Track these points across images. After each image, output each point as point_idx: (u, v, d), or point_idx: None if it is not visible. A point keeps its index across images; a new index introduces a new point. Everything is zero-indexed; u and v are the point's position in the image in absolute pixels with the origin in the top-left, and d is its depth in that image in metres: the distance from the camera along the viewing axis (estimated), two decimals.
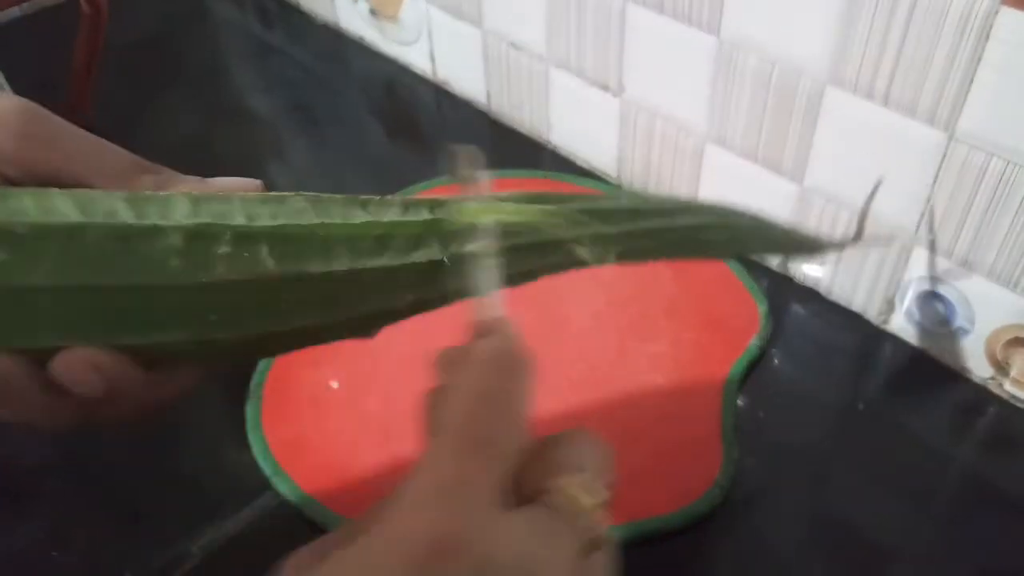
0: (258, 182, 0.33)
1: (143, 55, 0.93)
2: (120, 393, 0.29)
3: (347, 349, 0.60)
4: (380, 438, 0.54)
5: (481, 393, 0.26)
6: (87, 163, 0.31)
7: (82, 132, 0.32)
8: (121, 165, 0.32)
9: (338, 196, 0.31)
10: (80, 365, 0.28)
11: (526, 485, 0.26)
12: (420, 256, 0.31)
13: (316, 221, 0.29)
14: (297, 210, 0.29)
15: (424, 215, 0.31)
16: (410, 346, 0.60)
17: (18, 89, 0.71)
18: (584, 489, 0.26)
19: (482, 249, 0.30)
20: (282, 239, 0.29)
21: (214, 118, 0.85)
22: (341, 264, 0.29)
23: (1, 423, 0.30)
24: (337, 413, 0.56)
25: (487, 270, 0.30)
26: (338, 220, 0.30)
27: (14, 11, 0.95)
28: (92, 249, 0.27)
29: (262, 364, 0.58)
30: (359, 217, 0.30)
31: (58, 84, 0.79)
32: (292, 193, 0.30)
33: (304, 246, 0.29)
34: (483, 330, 0.29)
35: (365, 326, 0.33)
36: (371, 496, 0.50)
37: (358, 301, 0.31)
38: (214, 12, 1.01)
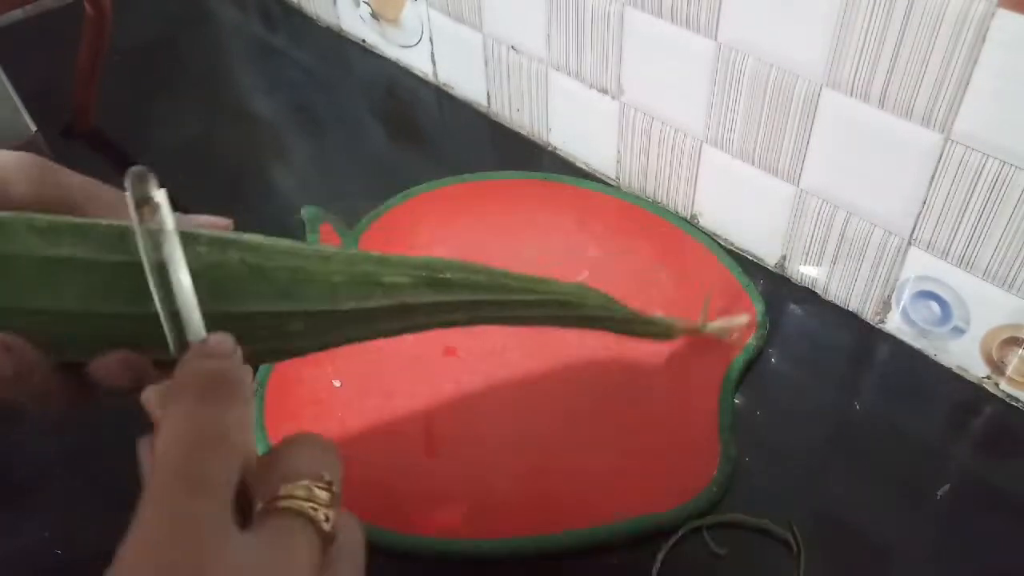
0: (228, 222, 0.35)
1: (146, 57, 0.93)
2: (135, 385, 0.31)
3: (349, 349, 0.61)
4: (382, 437, 0.55)
5: (189, 427, 0.26)
6: (87, 199, 0.35)
7: (77, 174, 0.35)
8: (111, 198, 0.35)
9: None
10: (116, 367, 0.32)
11: (258, 498, 0.26)
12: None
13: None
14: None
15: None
16: (412, 346, 0.60)
17: (22, 91, 0.72)
18: (307, 492, 0.26)
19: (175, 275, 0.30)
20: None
21: (216, 120, 0.85)
22: None
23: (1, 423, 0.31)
24: (339, 412, 0.56)
25: (184, 291, 0.29)
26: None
27: (17, 13, 0.95)
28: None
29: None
30: None
31: (62, 86, 0.80)
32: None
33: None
34: (188, 357, 0.28)
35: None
36: (372, 495, 0.51)
37: None
38: (217, 14, 1.01)
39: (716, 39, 0.59)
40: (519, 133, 0.81)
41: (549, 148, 0.79)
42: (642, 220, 0.70)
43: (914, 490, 0.52)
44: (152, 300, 0.29)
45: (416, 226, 0.69)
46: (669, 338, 0.56)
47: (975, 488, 0.52)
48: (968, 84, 0.48)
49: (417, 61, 0.88)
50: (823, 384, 0.58)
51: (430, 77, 0.87)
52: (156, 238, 0.29)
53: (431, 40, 0.84)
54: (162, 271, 0.29)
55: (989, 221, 0.51)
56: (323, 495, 0.27)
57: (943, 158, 0.51)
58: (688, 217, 0.70)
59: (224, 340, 0.29)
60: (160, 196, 0.29)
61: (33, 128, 0.72)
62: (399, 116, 0.86)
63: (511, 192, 0.73)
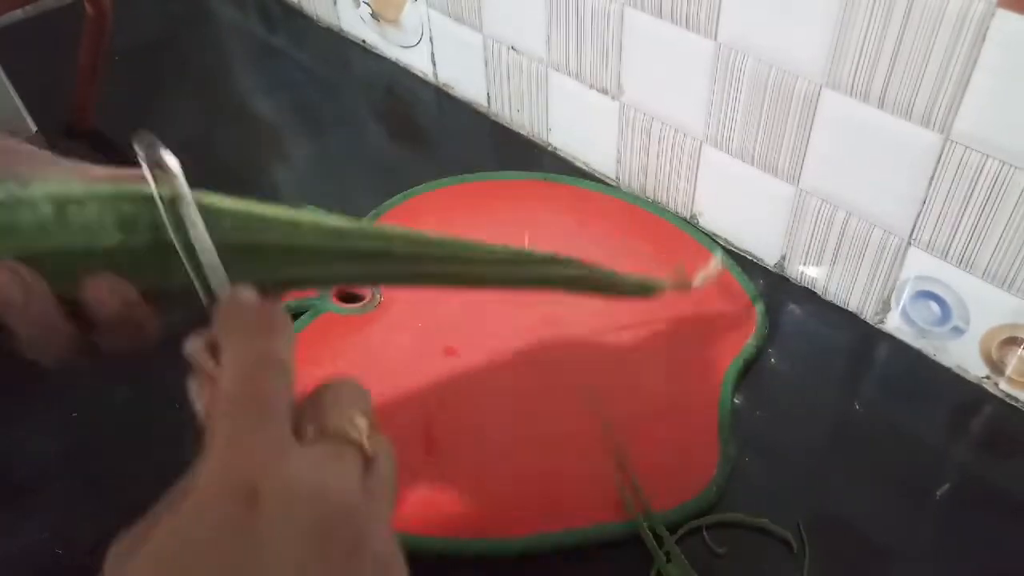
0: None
1: (147, 57, 0.93)
2: (126, 321, 0.36)
3: (348, 349, 0.61)
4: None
5: (247, 358, 0.30)
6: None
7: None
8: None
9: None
10: (106, 290, 0.35)
11: (309, 429, 0.30)
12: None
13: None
14: None
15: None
16: (412, 345, 0.60)
17: (22, 91, 0.72)
18: (350, 420, 0.30)
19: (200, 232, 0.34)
20: None
21: (217, 120, 0.85)
22: None
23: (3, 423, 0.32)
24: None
25: (203, 238, 0.34)
26: None
27: (17, 13, 0.95)
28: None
29: None
30: None
31: (62, 86, 0.80)
32: None
33: None
34: (227, 302, 0.33)
35: None
36: None
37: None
38: (217, 15, 1.01)
39: (716, 39, 0.59)
40: (519, 133, 0.81)
41: (549, 148, 0.79)
42: (642, 220, 0.70)
43: (914, 490, 0.52)
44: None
45: (416, 226, 0.69)
46: (651, 294, 0.54)
47: (975, 488, 0.52)
48: (968, 84, 0.48)
49: (417, 61, 0.88)
50: (822, 384, 0.58)
51: (430, 77, 0.87)
52: (174, 201, 0.33)
53: (431, 40, 0.84)
54: (183, 231, 0.33)
55: (988, 221, 0.51)
56: (363, 423, 0.30)
57: (943, 158, 0.51)
58: (688, 217, 0.70)
59: (247, 289, 0.33)
60: (171, 159, 0.33)
61: (33, 128, 0.73)
62: (399, 116, 0.86)
63: (511, 192, 0.73)
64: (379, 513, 0.29)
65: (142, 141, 0.33)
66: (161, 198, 0.33)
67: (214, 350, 0.31)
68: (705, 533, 0.49)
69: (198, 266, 0.33)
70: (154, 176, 0.33)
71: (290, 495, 0.26)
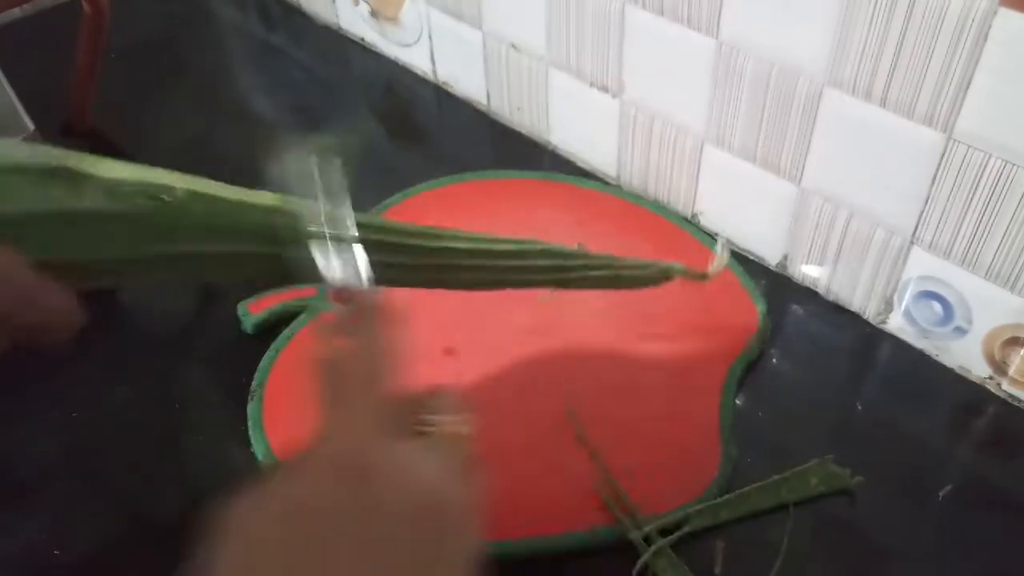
0: None
1: (145, 56, 0.93)
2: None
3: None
4: None
5: (377, 343, 0.33)
6: None
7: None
8: None
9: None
10: None
11: (411, 425, 0.33)
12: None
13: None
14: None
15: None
16: (412, 345, 0.60)
17: (20, 90, 0.72)
18: (449, 425, 0.34)
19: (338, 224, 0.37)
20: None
21: (216, 119, 0.85)
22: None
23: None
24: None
25: (346, 245, 0.37)
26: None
27: (15, 12, 0.95)
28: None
29: (264, 364, 0.58)
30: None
31: (60, 85, 0.79)
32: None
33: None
34: (350, 297, 0.36)
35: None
36: None
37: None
38: (216, 13, 1.01)
39: (717, 37, 0.59)
40: (519, 132, 0.80)
41: (549, 147, 0.79)
42: (643, 219, 0.70)
43: (916, 490, 0.52)
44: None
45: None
46: (659, 283, 0.55)
47: (977, 488, 0.52)
48: (970, 83, 0.48)
49: (416, 59, 0.88)
50: (824, 384, 0.58)
51: (429, 76, 0.87)
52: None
53: (430, 38, 0.84)
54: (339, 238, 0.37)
55: (991, 221, 0.51)
56: (467, 428, 0.34)
57: (945, 157, 0.51)
58: (689, 216, 0.70)
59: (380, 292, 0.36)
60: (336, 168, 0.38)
61: (31, 127, 0.72)
62: (398, 115, 0.86)
63: (511, 191, 0.73)
64: (472, 510, 0.32)
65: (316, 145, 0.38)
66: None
67: (342, 335, 0.34)
68: (719, 544, 0.49)
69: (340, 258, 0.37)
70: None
71: (400, 476, 0.29)
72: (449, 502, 0.30)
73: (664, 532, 0.49)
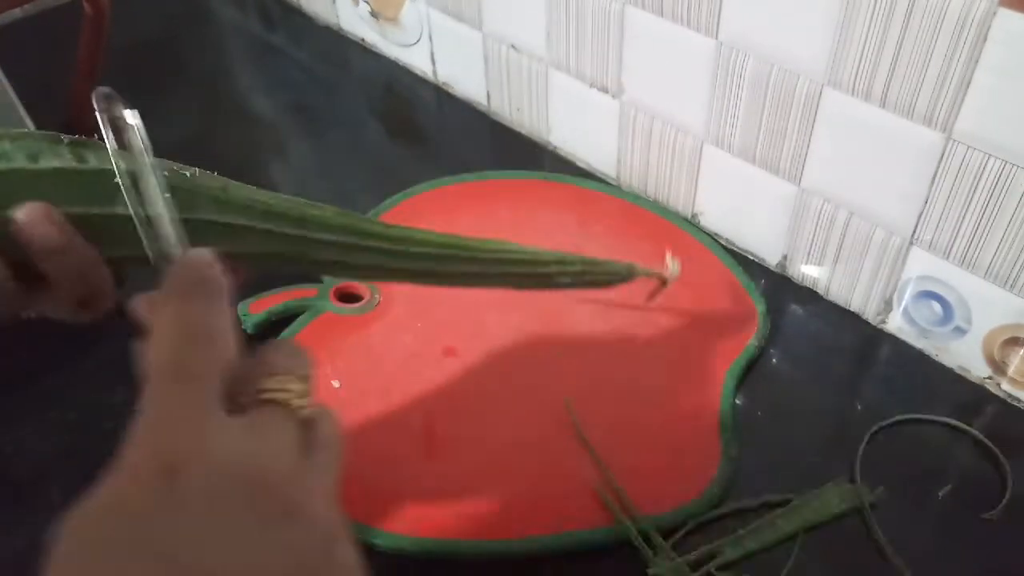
0: None
1: (145, 56, 0.93)
2: (65, 265, 0.35)
3: (347, 349, 0.61)
4: (381, 437, 0.54)
5: (177, 324, 0.29)
6: None
7: None
8: None
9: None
10: (40, 213, 0.34)
11: (244, 394, 0.29)
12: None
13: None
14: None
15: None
16: (411, 346, 0.60)
17: (20, 90, 0.71)
18: (286, 384, 0.30)
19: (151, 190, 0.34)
20: None
21: (216, 119, 0.85)
22: None
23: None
24: (338, 413, 0.56)
25: (156, 202, 0.33)
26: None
27: (15, 12, 0.95)
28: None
29: None
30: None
31: (60, 85, 0.79)
32: None
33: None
34: (173, 265, 0.32)
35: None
36: (372, 496, 0.50)
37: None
38: (216, 14, 1.01)
39: (717, 38, 0.59)
40: (519, 132, 0.80)
41: (549, 147, 0.79)
42: (643, 220, 0.70)
43: (916, 490, 0.52)
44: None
45: (415, 226, 0.69)
46: (625, 281, 0.54)
47: (977, 488, 0.52)
48: (969, 83, 0.48)
49: (417, 60, 0.88)
50: (824, 384, 0.58)
51: (430, 76, 0.87)
52: (131, 158, 0.33)
53: (431, 39, 0.84)
54: (138, 189, 0.33)
55: (991, 221, 0.51)
56: (297, 387, 0.30)
57: (944, 157, 0.51)
58: (689, 217, 0.70)
59: (203, 251, 0.31)
60: (131, 116, 0.33)
61: (31, 126, 0.72)
62: (398, 115, 0.86)
63: (511, 192, 0.73)
64: (317, 479, 0.28)
65: (100, 96, 0.33)
66: (121, 152, 0.33)
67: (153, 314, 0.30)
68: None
69: (148, 223, 0.33)
70: (113, 130, 0.33)
71: (211, 468, 0.26)
72: (280, 477, 0.27)
73: (664, 532, 0.49)
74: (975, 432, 0.54)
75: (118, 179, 0.33)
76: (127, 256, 0.36)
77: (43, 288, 0.36)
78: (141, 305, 0.32)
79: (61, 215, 0.35)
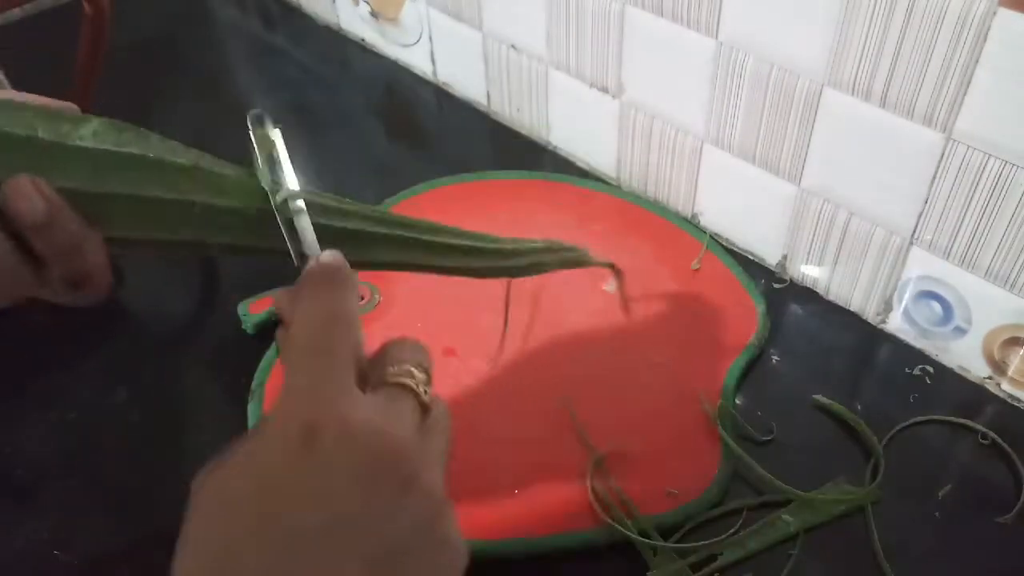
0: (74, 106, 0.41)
1: (145, 56, 0.93)
2: (57, 239, 0.36)
3: None
4: None
5: (319, 308, 0.32)
6: None
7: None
8: None
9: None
10: (27, 185, 0.35)
11: (372, 378, 0.33)
12: (233, 201, 0.40)
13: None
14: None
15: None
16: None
17: (20, 90, 0.71)
18: (409, 373, 0.33)
19: (291, 193, 0.39)
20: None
21: (215, 119, 0.85)
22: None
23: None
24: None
25: (299, 212, 0.39)
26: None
27: (15, 12, 0.95)
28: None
29: (264, 364, 0.58)
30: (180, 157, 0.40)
31: (60, 85, 0.79)
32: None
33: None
34: (313, 263, 0.35)
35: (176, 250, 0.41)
36: None
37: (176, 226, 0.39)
38: (216, 14, 1.01)
39: (717, 38, 0.59)
40: (519, 132, 0.80)
41: (549, 147, 0.79)
42: (643, 219, 0.70)
43: (915, 490, 0.52)
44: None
45: None
46: (581, 266, 0.54)
47: (977, 488, 0.52)
48: (969, 83, 0.48)
49: (416, 60, 0.88)
50: (824, 384, 0.57)
51: (429, 76, 0.87)
52: (276, 173, 0.39)
53: (430, 39, 0.84)
54: (284, 201, 0.38)
55: (991, 221, 0.51)
56: (421, 375, 0.33)
57: (944, 157, 0.51)
58: (689, 216, 0.70)
59: (335, 251, 0.35)
60: (277, 135, 0.40)
61: None
62: (398, 115, 0.86)
63: (511, 192, 0.73)
64: (432, 457, 0.31)
65: (253, 117, 0.40)
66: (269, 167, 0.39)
67: (294, 304, 0.34)
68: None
69: (293, 230, 0.38)
70: (261, 146, 0.39)
71: (345, 434, 0.29)
72: (403, 451, 0.30)
73: (664, 532, 0.49)
74: (974, 433, 0.54)
75: (266, 190, 0.39)
76: (132, 238, 0.38)
77: (33, 267, 0.37)
78: (281, 297, 0.35)
79: (51, 189, 0.36)
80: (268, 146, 0.39)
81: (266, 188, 0.39)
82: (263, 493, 0.28)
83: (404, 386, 0.32)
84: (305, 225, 0.38)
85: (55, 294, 0.39)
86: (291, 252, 0.38)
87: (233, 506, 0.28)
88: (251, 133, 0.39)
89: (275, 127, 0.40)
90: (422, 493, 0.29)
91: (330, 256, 0.35)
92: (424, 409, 0.33)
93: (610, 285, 0.58)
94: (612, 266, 0.55)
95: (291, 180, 0.39)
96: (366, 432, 0.29)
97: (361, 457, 0.29)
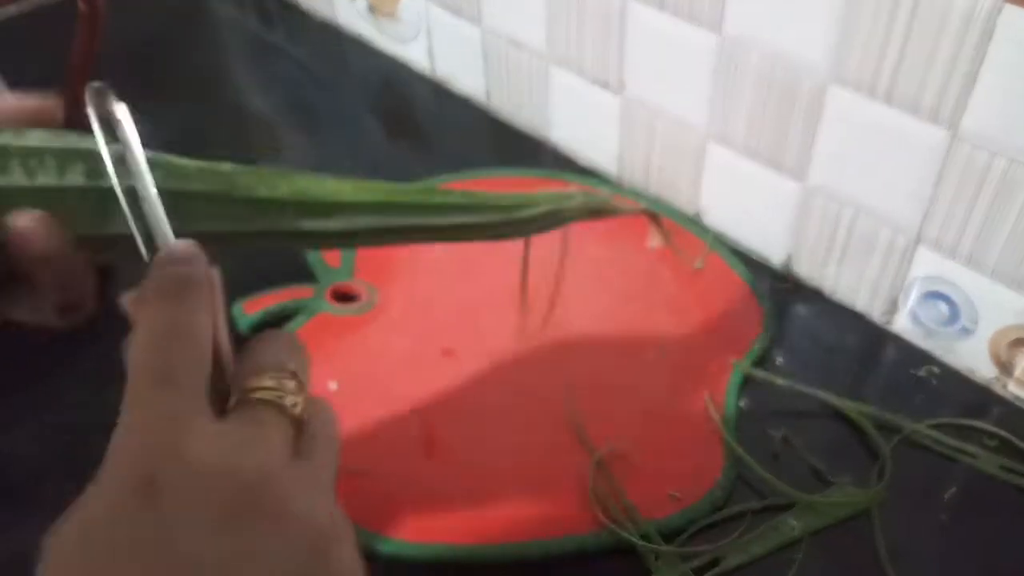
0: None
1: (142, 53, 0.92)
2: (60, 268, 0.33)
3: (345, 350, 0.60)
4: (380, 440, 0.54)
5: (156, 324, 0.28)
6: None
7: None
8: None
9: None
10: (32, 220, 0.32)
11: (233, 393, 0.29)
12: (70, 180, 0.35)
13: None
14: None
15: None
16: (410, 347, 0.60)
17: (15, 88, 0.71)
18: (275, 383, 0.29)
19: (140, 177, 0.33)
20: None
21: (213, 117, 0.85)
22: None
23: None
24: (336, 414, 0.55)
25: (149, 198, 0.32)
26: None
27: (10, 9, 0.94)
28: None
29: None
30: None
31: (55, 83, 0.79)
32: None
33: None
34: (155, 263, 0.30)
35: None
36: (370, 499, 0.50)
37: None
38: (213, 10, 1.00)
39: (720, 33, 0.58)
40: (519, 129, 0.80)
41: (549, 144, 0.78)
42: (644, 218, 0.69)
43: (920, 491, 0.51)
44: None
45: None
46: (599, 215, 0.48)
47: (982, 490, 0.51)
48: (975, 80, 0.47)
49: (415, 56, 0.87)
50: (829, 385, 0.57)
51: (428, 72, 0.86)
52: (122, 154, 0.32)
53: (429, 34, 0.83)
54: (128, 185, 0.32)
55: (997, 219, 0.51)
56: (290, 384, 0.29)
57: (950, 155, 0.51)
58: (692, 215, 0.69)
59: (187, 245, 0.30)
60: (122, 112, 0.33)
61: None
62: (397, 111, 0.86)
63: (511, 189, 0.72)
64: (311, 477, 0.28)
65: (92, 91, 0.33)
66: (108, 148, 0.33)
67: (136, 313, 0.30)
68: None
69: (139, 217, 0.32)
70: (104, 125, 0.33)
71: (191, 478, 0.25)
72: (266, 480, 0.26)
73: (666, 536, 0.48)
74: (981, 434, 0.54)
75: (110, 173, 0.33)
76: (99, 235, 0.35)
77: (25, 292, 0.35)
78: (128, 303, 0.30)
79: (57, 223, 0.33)
80: (111, 124, 0.33)
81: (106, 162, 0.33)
82: (99, 560, 0.24)
83: (266, 401, 0.28)
84: (155, 209, 0.32)
85: (44, 319, 0.36)
86: (137, 240, 0.32)
87: (62, 568, 0.25)
88: (91, 110, 0.33)
89: (118, 102, 0.34)
90: (298, 523, 0.26)
91: (179, 250, 0.30)
92: (296, 423, 0.29)
93: (653, 239, 0.54)
94: (648, 213, 0.51)
95: (140, 159, 0.33)
96: (215, 468, 0.25)
97: (213, 500, 0.25)
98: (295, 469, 0.27)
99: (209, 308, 0.29)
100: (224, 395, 0.29)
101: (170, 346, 0.27)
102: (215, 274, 0.30)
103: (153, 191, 0.32)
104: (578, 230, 0.67)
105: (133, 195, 0.32)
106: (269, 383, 0.28)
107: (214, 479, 0.25)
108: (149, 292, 0.29)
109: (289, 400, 0.29)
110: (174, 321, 0.28)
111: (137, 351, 0.28)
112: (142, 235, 0.32)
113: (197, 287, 0.29)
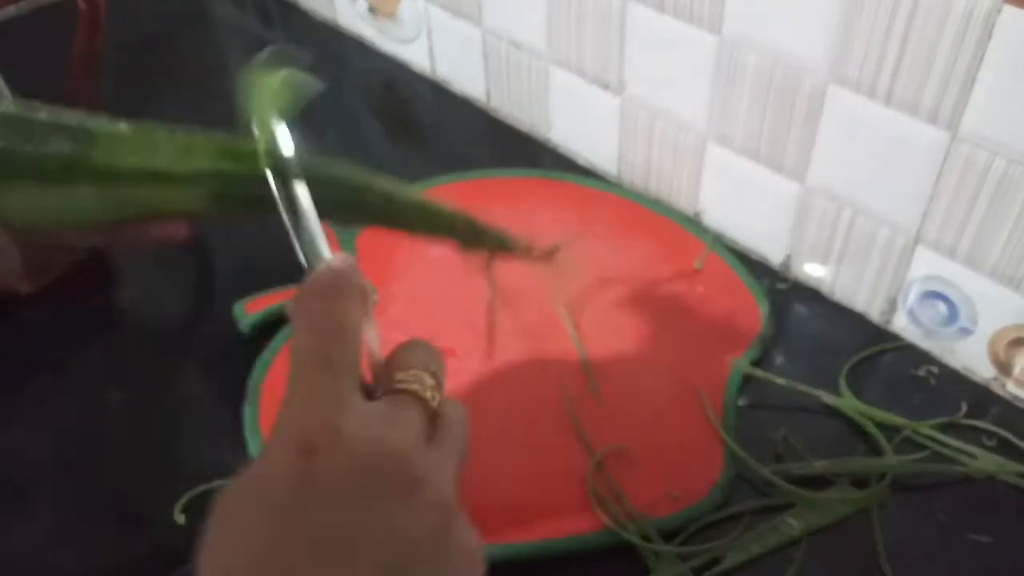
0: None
1: (142, 53, 0.92)
2: None
3: None
4: None
5: (316, 320, 0.32)
6: None
7: None
8: None
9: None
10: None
11: (383, 385, 0.33)
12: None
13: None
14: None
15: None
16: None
17: (16, 89, 0.71)
18: (417, 378, 0.33)
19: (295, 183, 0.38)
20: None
21: (214, 117, 0.84)
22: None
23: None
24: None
25: (306, 213, 0.37)
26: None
27: (10, 10, 0.94)
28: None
29: (260, 364, 0.58)
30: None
31: (56, 84, 0.79)
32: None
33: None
34: (317, 269, 0.34)
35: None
36: None
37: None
38: (213, 11, 1.00)
39: (719, 34, 0.58)
40: (519, 130, 0.80)
41: (549, 145, 0.78)
42: (644, 218, 0.69)
43: (919, 490, 0.51)
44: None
45: None
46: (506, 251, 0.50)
47: (982, 489, 0.51)
48: (975, 81, 0.48)
49: (415, 56, 0.87)
50: (828, 385, 0.57)
51: (428, 73, 0.87)
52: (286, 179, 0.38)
53: (429, 35, 0.83)
54: (293, 204, 0.37)
55: (996, 220, 0.51)
56: (429, 380, 0.33)
57: (949, 156, 0.51)
58: (691, 215, 0.69)
59: (345, 257, 0.35)
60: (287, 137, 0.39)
61: None
62: (397, 113, 0.86)
63: (511, 190, 0.73)
64: (440, 463, 0.31)
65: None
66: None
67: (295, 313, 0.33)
68: None
69: (300, 237, 0.36)
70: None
71: (346, 447, 0.28)
72: (405, 460, 0.29)
73: (666, 535, 0.48)
74: (980, 433, 0.54)
75: (274, 192, 0.38)
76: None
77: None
78: (289, 305, 0.34)
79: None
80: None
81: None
82: (264, 511, 0.28)
83: (409, 392, 0.32)
84: (313, 225, 0.36)
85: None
86: (299, 253, 0.36)
87: (237, 525, 0.28)
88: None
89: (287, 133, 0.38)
90: (430, 499, 0.29)
91: (339, 261, 0.34)
92: (432, 415, 0.32)
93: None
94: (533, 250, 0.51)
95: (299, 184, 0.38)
96: (366, 443, 0.29)
97: (362, 467, 0.29)
98: (430, 451, 0.31)
99: (361, 311, 0.33)
100: (371, 391, 0.33)
101: (328, 336, 0.31)
102: (368, 286, 0.34)
103: (316, 224, 0.36)
104: (578, 230, 0.68)
105: (294, 211, 0.37)
106: (411, 377, 0.33)
107: (363, 446, 0.29)
108: (309, 291, 0.33)
109: (428, 393, 0.32)
110: (332, 315, 0.32)
111: (300, 339, 0.31)
112: (304, 251, 0.36)
113: (351, 292, 0.33)
